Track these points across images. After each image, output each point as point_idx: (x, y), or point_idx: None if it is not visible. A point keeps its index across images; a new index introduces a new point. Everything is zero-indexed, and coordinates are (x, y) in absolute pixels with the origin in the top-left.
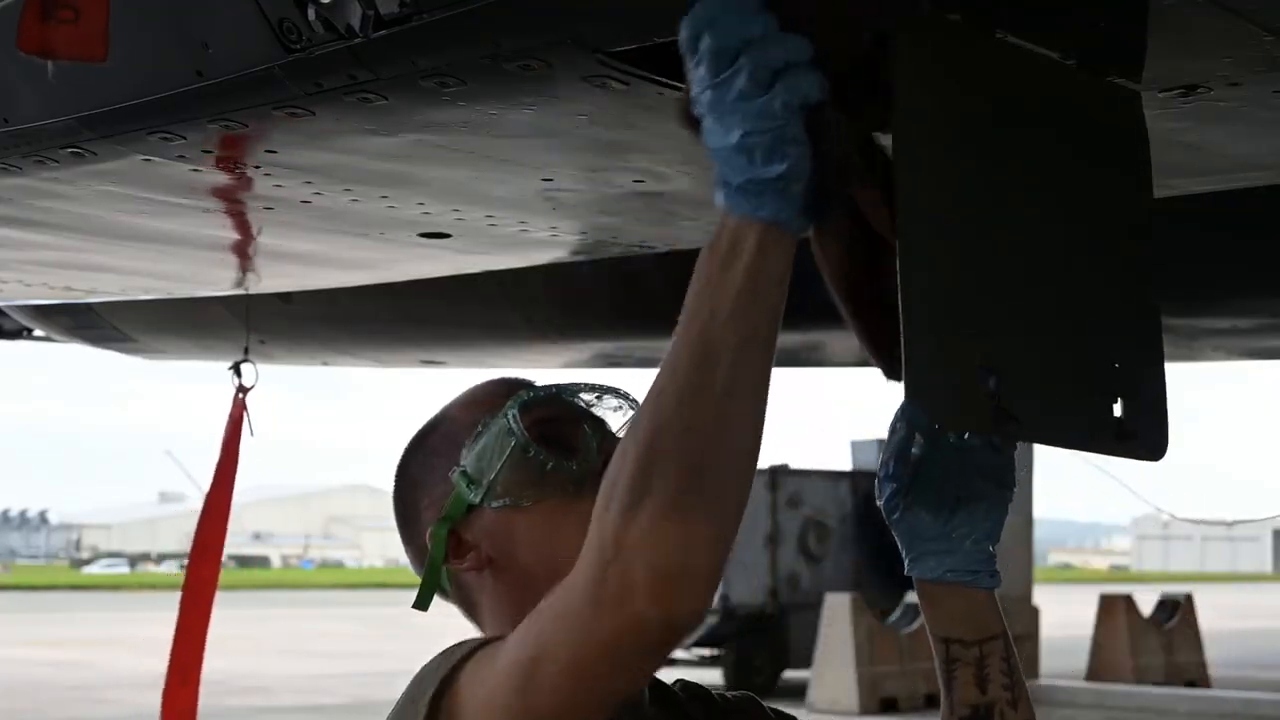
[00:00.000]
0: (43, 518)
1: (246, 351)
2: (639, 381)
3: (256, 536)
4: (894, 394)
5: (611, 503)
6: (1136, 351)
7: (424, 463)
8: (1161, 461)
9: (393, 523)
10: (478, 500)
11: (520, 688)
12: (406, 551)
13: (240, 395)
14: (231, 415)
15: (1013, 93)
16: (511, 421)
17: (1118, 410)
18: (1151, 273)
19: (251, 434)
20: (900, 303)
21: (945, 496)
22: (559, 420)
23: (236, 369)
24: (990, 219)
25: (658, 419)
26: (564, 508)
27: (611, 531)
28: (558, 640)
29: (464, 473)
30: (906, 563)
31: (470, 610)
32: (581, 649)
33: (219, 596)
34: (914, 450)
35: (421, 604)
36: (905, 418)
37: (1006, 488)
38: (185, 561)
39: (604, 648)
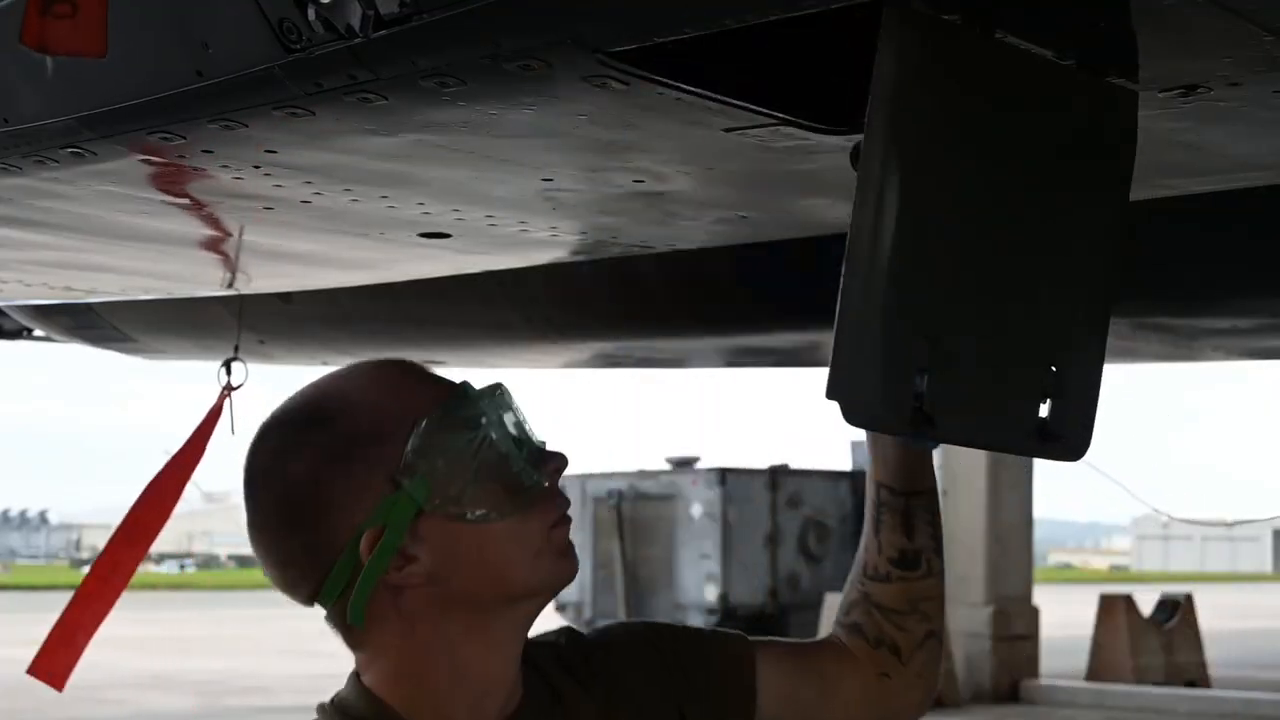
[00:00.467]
0: (43, 518)
1: (236, 350)
2: (639, 380)
3: None
4: None
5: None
6: (1077, 353)
7: (330, 458)
8: (1156, 462)
9: None
10: (429, 508)
11: None
12: (278, 561)
13: (226, 393)
14: (211, 409)
15: (1004, 91)
16: (494, 428)
17: (1044, 411)
18: (1113, 274)
19: (232, 433)
20: (839, 299)
21: None
22: (521, 428)
23: (227, 367)
24: (953, 218)
25: None
26: (518, 525)
27: None
28: None
29: (421, 477)
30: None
31: (357, 633)
32: None
33: (219, 596)
34: None
35: (358, 617)
36: None
37: None
38: (185, 562)
39: None
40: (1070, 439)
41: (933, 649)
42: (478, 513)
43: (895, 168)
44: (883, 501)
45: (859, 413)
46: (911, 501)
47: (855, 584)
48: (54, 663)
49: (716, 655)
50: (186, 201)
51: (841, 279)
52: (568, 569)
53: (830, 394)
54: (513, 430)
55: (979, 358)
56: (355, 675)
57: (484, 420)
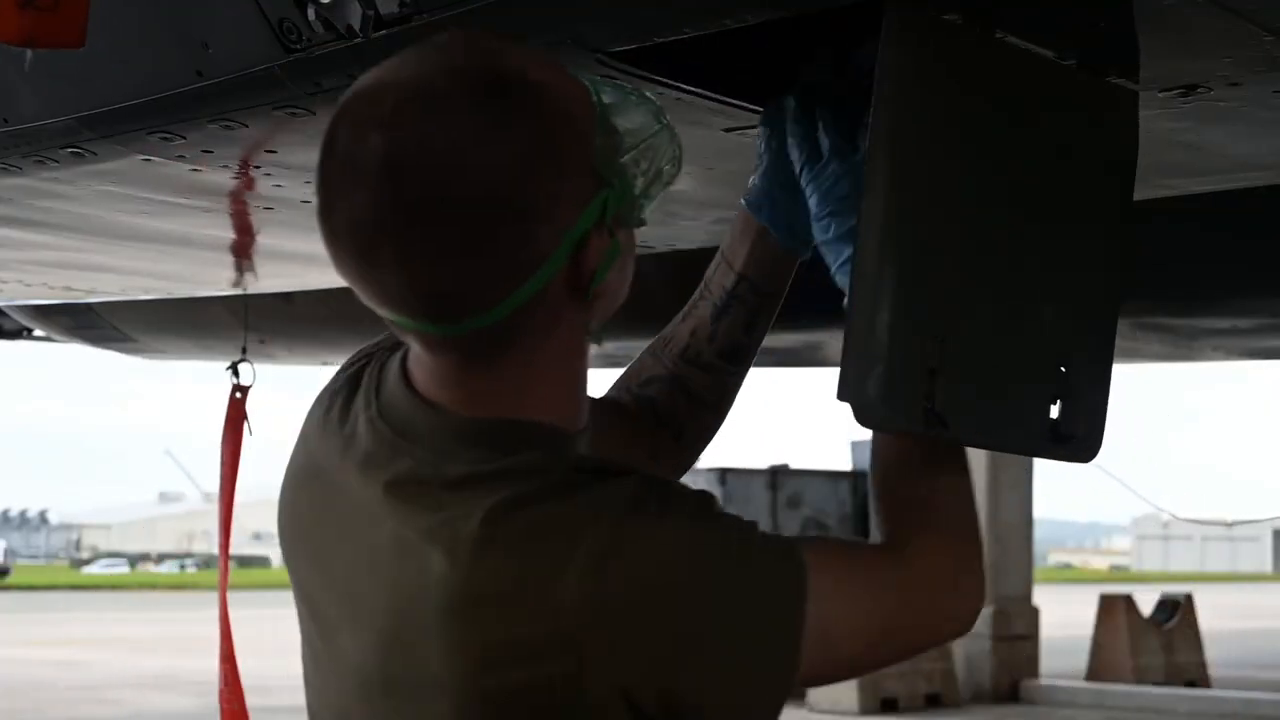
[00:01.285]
0: (43, 518)
1: (244, 351)
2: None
3: (256, 536)
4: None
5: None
6: (1085, 353)
7: (538, 143)
8: (1156, 461)
9: None
10: (617, 212)
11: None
12: (430, 268)
13: (239, 395)
14: (230, 417)
15: (1006, 92)
16: (667, 122)
17: (1055, 413)
18: (1120, 275)
19: (250, 434)
20: (848, 300)
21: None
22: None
23: (234, 369)
24: (959, 219)
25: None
26: (633, 241)
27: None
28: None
29: (621, 174)
30: (745, 199)
31: (492, 351)
32: None
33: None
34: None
35: (599, 336)
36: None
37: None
38: (185, 562)
39: None
40: (1082, 440)
41: (706, 444)
42: (639, 216)
43: (899, 168)
44: (737, 294)
45: (870, 414)
46: (765, 302)
47: (664, 361)
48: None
49: None
50: (187, 201)
51: (850, 281)
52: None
53: (840, 396)
54: (667, 125)
55: (988, 358)
56: (457, 415)
57: (641, 114)
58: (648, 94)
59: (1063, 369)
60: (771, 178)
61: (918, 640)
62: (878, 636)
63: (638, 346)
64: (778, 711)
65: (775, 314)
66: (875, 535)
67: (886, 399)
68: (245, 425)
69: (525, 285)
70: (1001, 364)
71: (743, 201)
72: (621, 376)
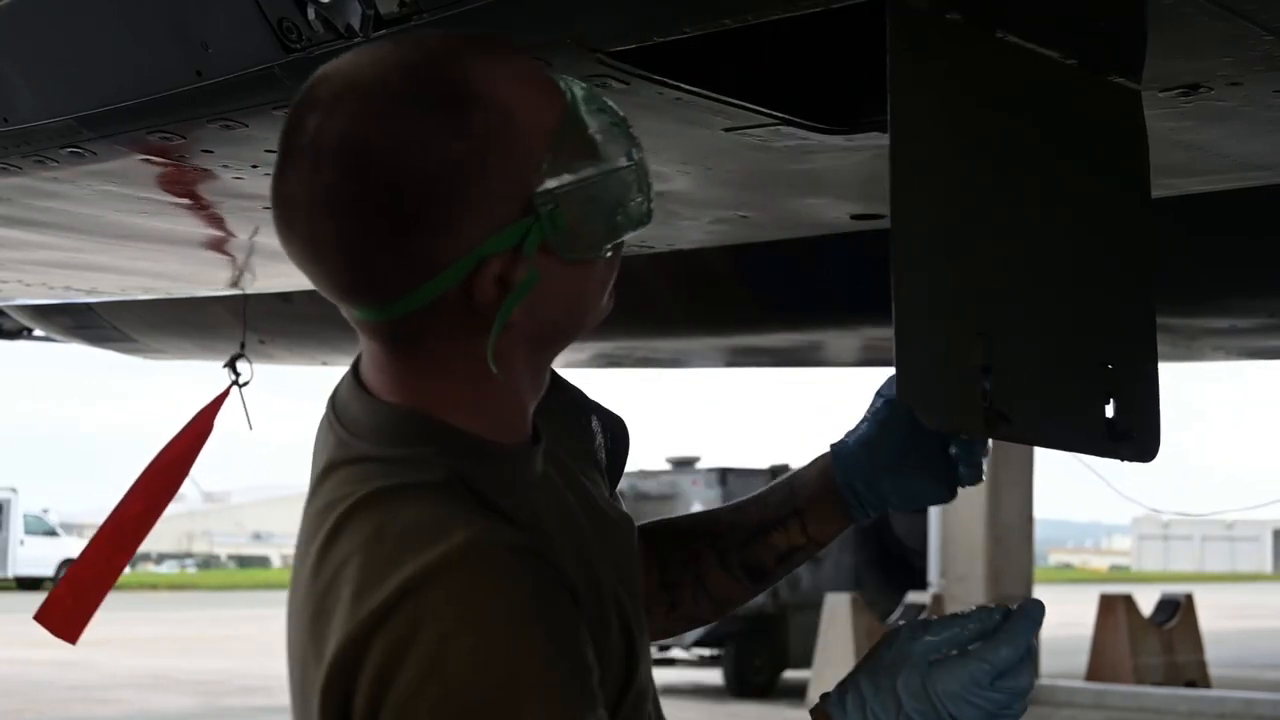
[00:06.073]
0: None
1: (243, 347)
2: (639, 380)
3: (256, 536)
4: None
5: None
6: (1130, 352)
7: (469, 151)
8: (1156, 461)
9: None
10: (553, 243)
11: None
12: (352, 256)
13: (237, 388)
14: (218, 395)
15: (1013, 92)
16: (638, 159)
17: (1110, 411)
18: (1150, 273)
19: (250, 427)
20: (894, 301)
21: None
22: (642, 161)
23: (232, 365)
24: (988, 218)
25: None
26: (604, 268)
27: None
28: None
29: (557, 206)
30: (835, 446)
31: (411, 349)
32: None
33: (219, 596)
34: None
35: (492, 357)
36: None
37: (949, 484)
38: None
39: None
40: (1139, 439)
41: (685, 631)
42: (583, 251)
43: (926, 169)
44: (796, 545)
45: (936, 413)
46: (809, 549)
47: (699, 549)
48: (64, 615)
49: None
50: (187, 201)
51: (893, 282)
52: (609, 308)
53: (903, 396)
54: (637, 162)
55: (1035, 355)
56: (375, 399)
57: (611, 146)
58: (630, 129)
59: (1109, 366)
60: (873, 455)
61: None
62: None
63: (638, 346)
64: None
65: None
66: None
67: (947, 398)
68: (246, 419)
69: (419, 291)
70: (1049, 361)
71: (833, 462)
72: (664, 519)
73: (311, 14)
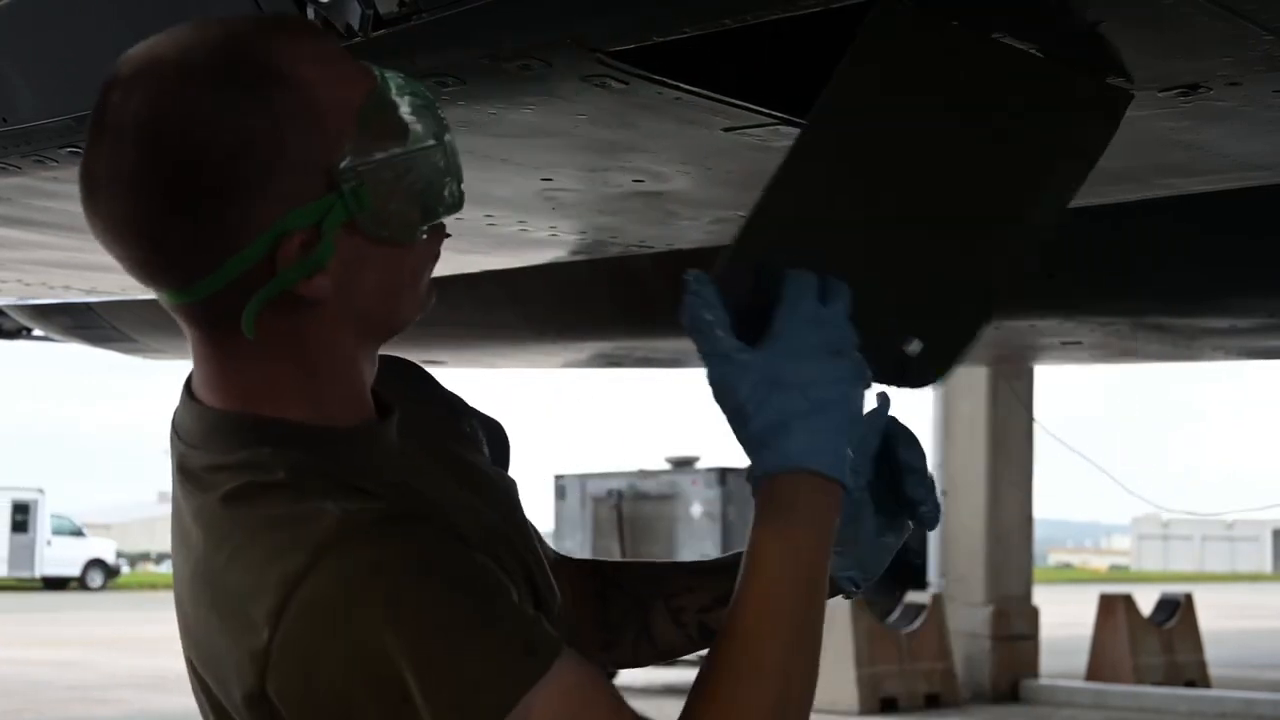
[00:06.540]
0: None
1: None
2: (638, 381)
3: None
4: (897, 397)
5: None
6: (955, 310)
7: (269, 129)
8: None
9: None
10: (360, 220)
11: None
12: (149, 237)
13: None
14: None
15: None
16: (447, 141)
17: (914, 349)
18: (1019, 256)
19: None
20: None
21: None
22: (453, 145)
23: None
24: (879, 180)
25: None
26: (419, 254)
27: None
28: None
29: (362, 183)
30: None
31: (227, 338)
32: None
33: None
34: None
35: (250, 326)
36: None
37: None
38: None
39: None
40: (919, 373)
41: (622, 669)
42: (394, 233)
43: (836, 139)
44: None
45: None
46: None
47: (650, 601)
48: None
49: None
50: None
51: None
52: (428, 306)
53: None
54: (446, 144)
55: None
56: (202, 405)
57: (420, 126)
58: (440, 111)
59: (930, 317)
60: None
61: None
62: None
63: (637, 346)
64: None
65: None
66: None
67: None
68: None
69: (221, 269)
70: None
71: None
72: (606, 562)
73: (311, 14)
